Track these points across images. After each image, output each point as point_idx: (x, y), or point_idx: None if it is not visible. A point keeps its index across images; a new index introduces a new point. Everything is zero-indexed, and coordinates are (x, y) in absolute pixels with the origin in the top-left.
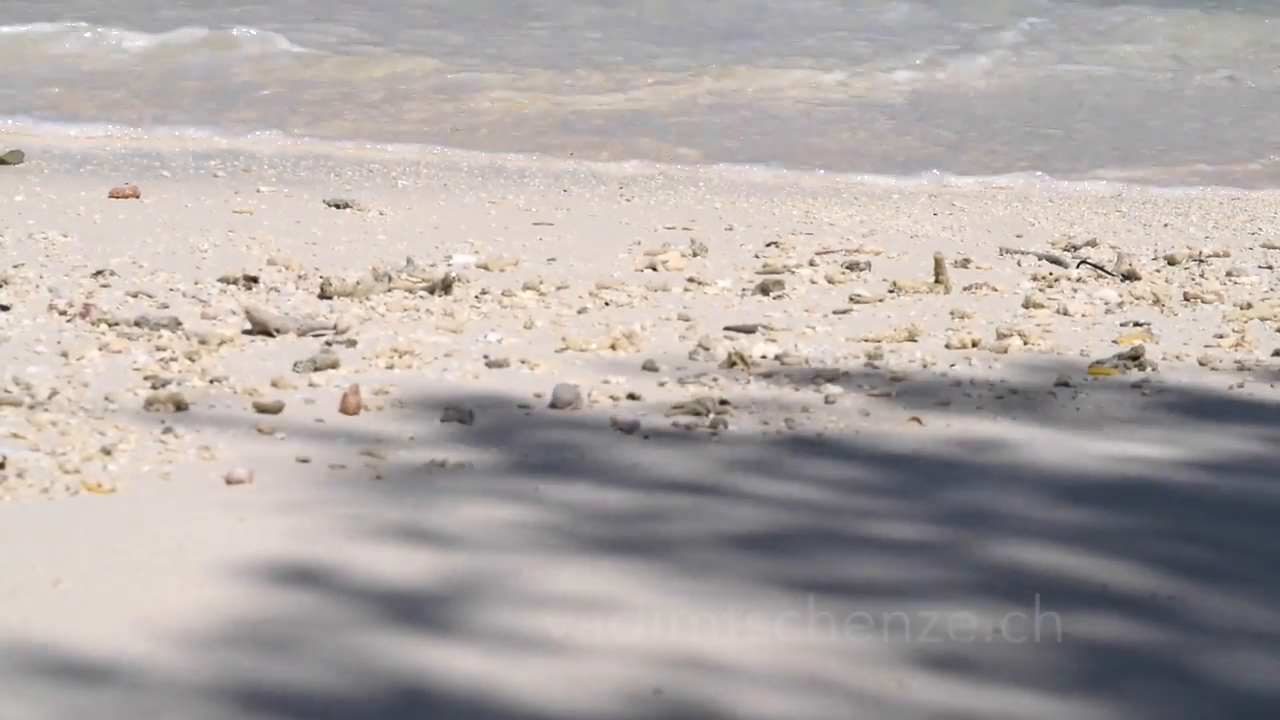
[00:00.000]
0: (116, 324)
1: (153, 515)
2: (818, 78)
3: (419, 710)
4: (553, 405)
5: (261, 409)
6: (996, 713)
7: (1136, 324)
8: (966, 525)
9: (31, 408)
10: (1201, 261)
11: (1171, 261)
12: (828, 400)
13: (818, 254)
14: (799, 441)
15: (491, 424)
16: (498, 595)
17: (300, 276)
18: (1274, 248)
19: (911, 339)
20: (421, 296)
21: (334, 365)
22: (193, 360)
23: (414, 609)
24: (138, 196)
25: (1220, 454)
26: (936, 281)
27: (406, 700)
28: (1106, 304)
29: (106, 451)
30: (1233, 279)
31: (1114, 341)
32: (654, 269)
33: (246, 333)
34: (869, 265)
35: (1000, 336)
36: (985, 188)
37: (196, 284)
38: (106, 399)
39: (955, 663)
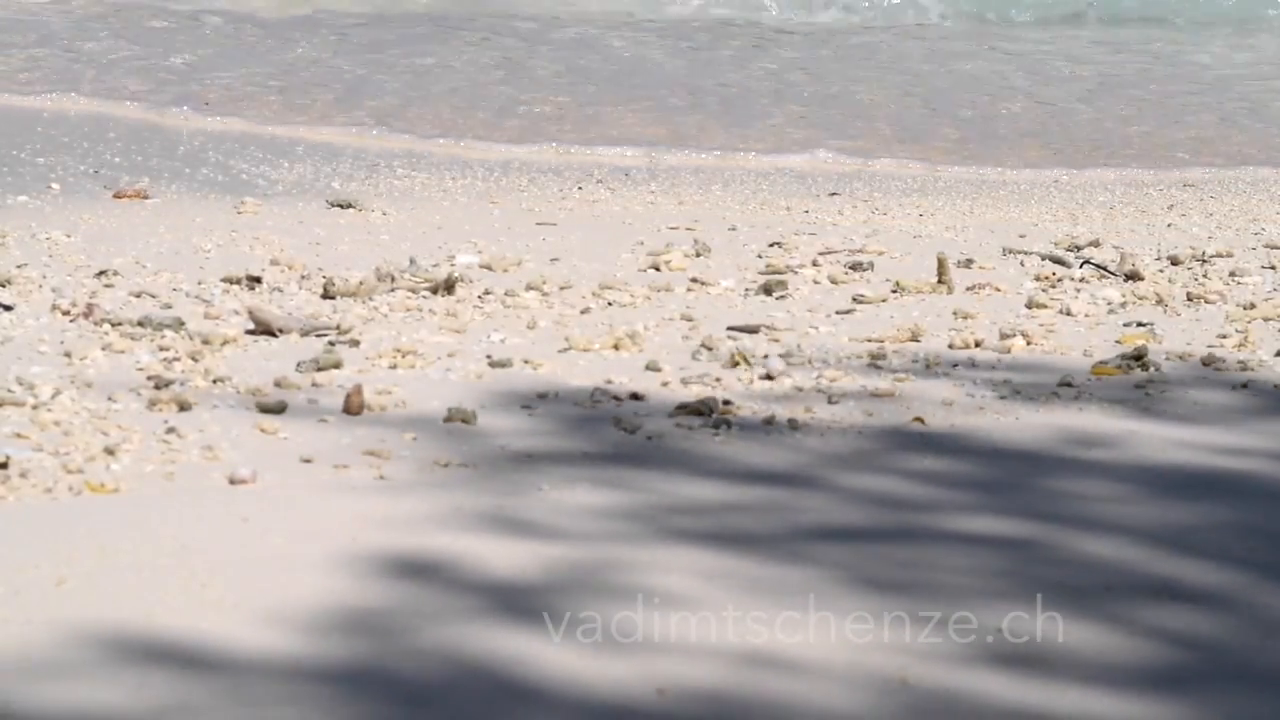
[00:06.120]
0: (120, 324)
1: (156, 515)
2: None
3: None
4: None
5: (265, 409)
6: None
7: (1140, 324)
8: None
9: (35, 408)
10: (1205, 262)
11: (1174, 262)
12: (831, 400)
13: (820, 254)
14: (802, 439)
15: (496, 422)
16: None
17: (303, 277)
18: (1277, 248)
19: (915, 339)
20: (424, 297)
21: (337, 365)
22: (196, 360)
23: (410, 611)
24: (145, 198)
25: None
26: (939, 281)
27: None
28: (1109, 304)
29: (110, 451)
30: (1236, 279)
31: (1117, 342)
32: (657, 269)
33: (250, 333)
34: (872, 265)
35: (1003, 336)
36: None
37: (200, 284)
38: (110, 399)
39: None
